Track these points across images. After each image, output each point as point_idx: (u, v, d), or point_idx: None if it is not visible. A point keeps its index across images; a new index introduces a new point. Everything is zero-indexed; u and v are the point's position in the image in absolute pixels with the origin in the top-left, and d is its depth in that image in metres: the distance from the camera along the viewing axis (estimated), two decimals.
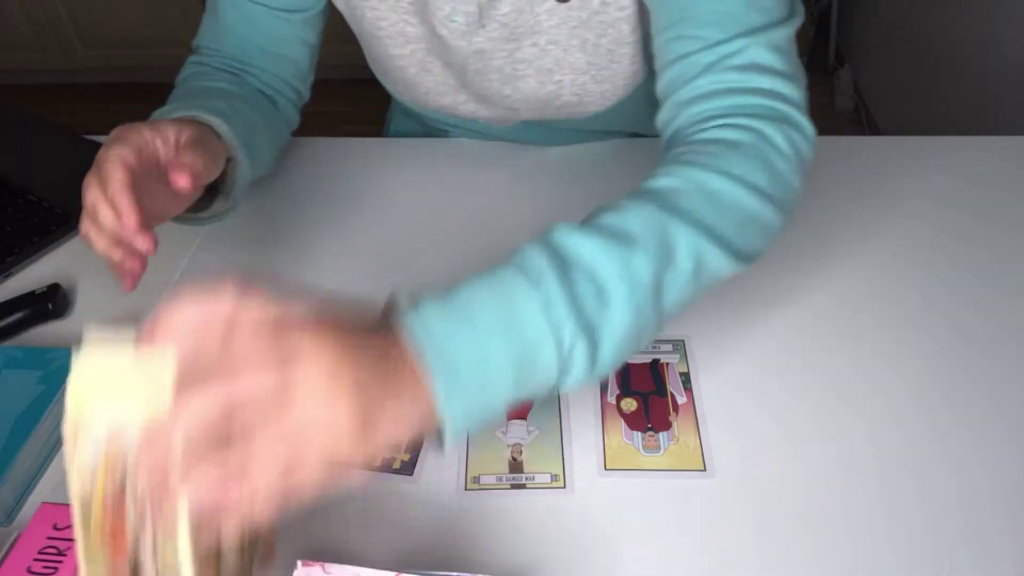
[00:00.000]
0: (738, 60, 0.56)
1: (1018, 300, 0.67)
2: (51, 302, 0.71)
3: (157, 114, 0.68)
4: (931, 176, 0.81)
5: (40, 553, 0.42)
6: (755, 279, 0.70)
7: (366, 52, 0.83)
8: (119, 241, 0.59)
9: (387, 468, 0.58)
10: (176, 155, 0.61)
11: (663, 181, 0.53)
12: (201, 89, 0.75)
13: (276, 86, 0.81)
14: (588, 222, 0.49)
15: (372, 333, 0.42)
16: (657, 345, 0.65)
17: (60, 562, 0.42)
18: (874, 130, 2.25)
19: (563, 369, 0.45)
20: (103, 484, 0.41)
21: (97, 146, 0.92)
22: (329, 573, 0.43)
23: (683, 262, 0.49)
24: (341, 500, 0.56)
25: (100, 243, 0.59)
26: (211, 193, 0.69)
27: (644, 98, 0.80)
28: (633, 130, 0.89)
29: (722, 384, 0.62)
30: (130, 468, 0.40)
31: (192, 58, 0.80)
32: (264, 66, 0.79)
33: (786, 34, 0.58)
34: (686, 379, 0.63)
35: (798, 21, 0.59)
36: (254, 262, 0.77)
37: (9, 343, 0.70)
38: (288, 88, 0.82)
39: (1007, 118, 1.56)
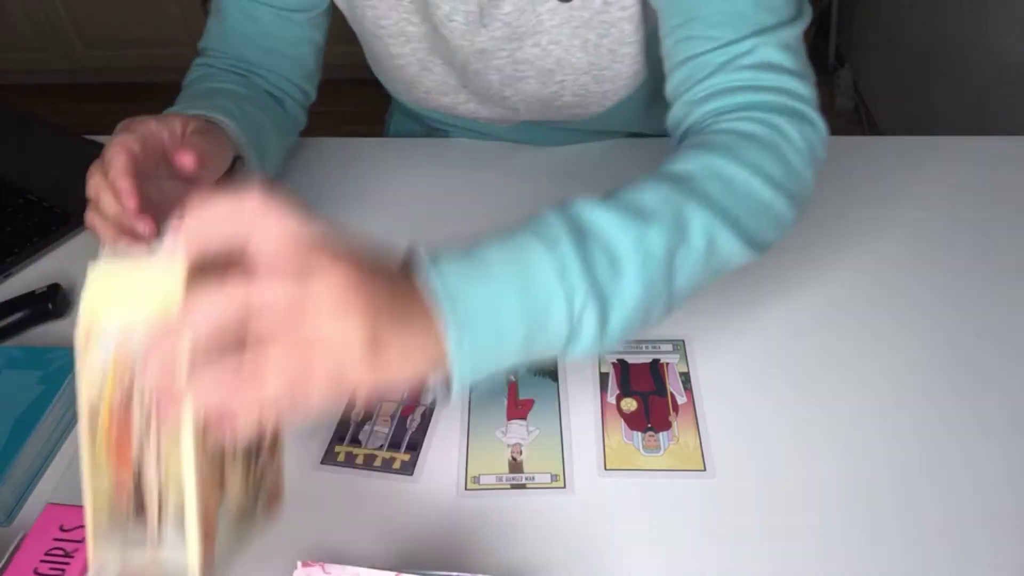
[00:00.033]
0: (750, 59, 0.57)
1: (1018, 300, 0.67)
2: (51, 302, 0.71)
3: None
4: (931, 176, 0.81)
5: (47, 555, 0.42)
6: (755, 279, 0.70)
7: (366, 52, 0.83)
8: (124, 229, 0.59)
9: (387, 468, 0.58)
10: (182, 142, 0.61)
11: (679, 165, 0.53)
12: (208, 90, 0.75)
13: (283, 87, 0.81)
14: (605, 196, 0.50)
15: (390, 271, 0.43)
16: (657, 345, 0.65)
17: (67, 564, 0.42)
18: (874, 130, 2.25)
19: (572, 333, 0.46)
20: (111, 390, 0.40)
21: (97, 146, 0.92)
22: (329, 573, 0.43)
23: (696, 240, 0.50)
24: (341, 500, 0.56)
25: (105, 231, 0.59)
26: None
27: (644, 98, 0.80)
28: (633, 130, 0.89)
29: (722, 384, 0.62)
30: (138, 372, 0.40)
31: (198, 60, 0.80)
32: (270, 67, 0.79)
33: (795, 33, 0.59)
34: (686, 379, 0.63)
35: (806, 21, 0.59)
36: None
37: (9, 343, 0.70)
38: (295, 88, 0.82)
39: (1007, 118, 1.56)
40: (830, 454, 0.57)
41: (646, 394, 0.62)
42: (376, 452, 0.59)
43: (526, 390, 0.63)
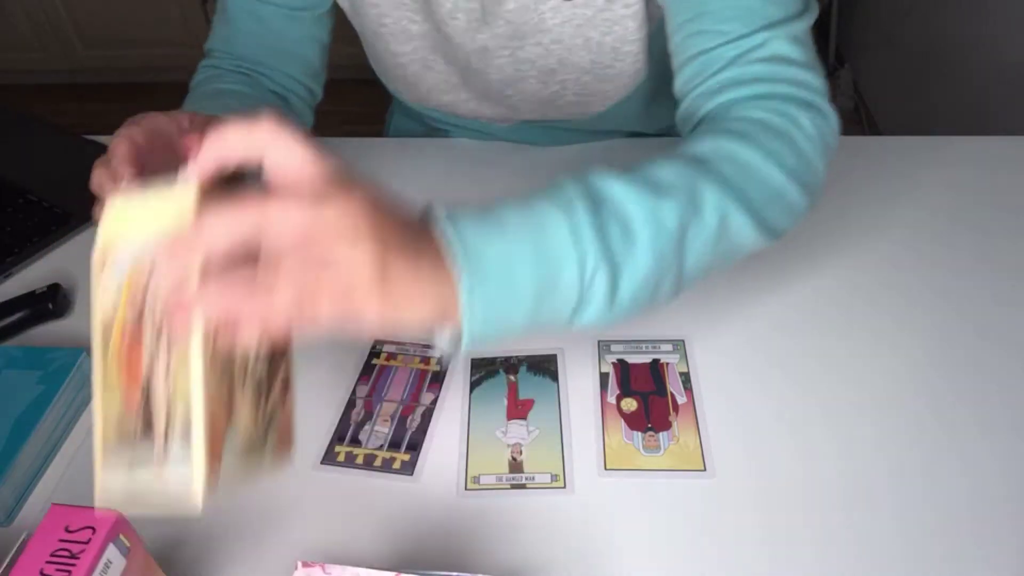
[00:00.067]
0: (762, 52, 0.57)
1: (1018, 300, 0.67)
2: (51, 302, 0.71)
3: None
4: (931, 176, 0.81)
5: (52, 556, 0.42)
6: (755, 279, 0.70)
7: (367, 50, 0.83)
8: None
9: (387, 468, 0.58)
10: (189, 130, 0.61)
11: (694, 148, 0.54)
12: (214, 91, 0.75)
13: (289, 86, 0.81)
14: (622, 170, 0.50)
15: (405, 215, 0.43)
16: (657, 345, 0.65)
17: (74, 564, 0.42)
18: (874, 130, 2.25)
19: (582, 298, 0.46)
20: (124, 308, 0.41)
21: (97, 146, 0.92)
22: (329, 573, 0.43)
23: (709, 218, 0.50)
24: (341, 500, 0.56)
25: None
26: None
27: (645, 97, 0.80)
28: (633, 129, 0.89)
29: (722, 384, 0.62)
30: (151, 289, 0.40)
31: (204, 62, 0.80)
32: (276, 66, 0.79)
33: (804, 27, 0.59)
34: (686, 379, 0.63)
35: (813, 15, 0.60)
36: None
37: (9, 343, 0.70)
38: (301, 87, 0.82)
39: (1007, 118, 1.56)
40: (830, 454, 0.57)
41: (646, 394, 0.62)
42: (376, 452, 0.59)
43: (526, 390, 0.63)
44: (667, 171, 0.51)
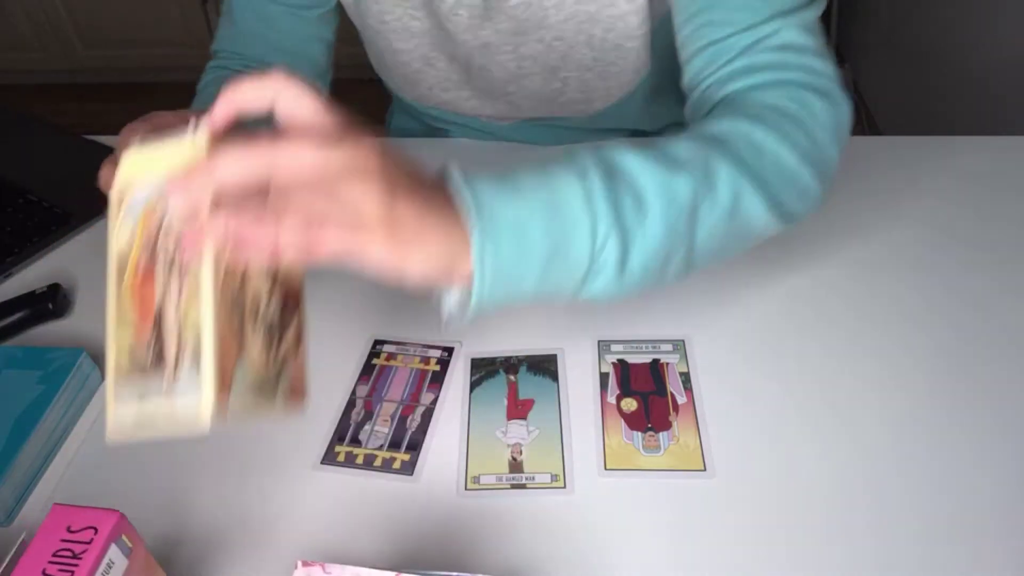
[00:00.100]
0: (773, 41, 0.57)
1: (1018, 300, 0.67)
2: (51, 302, 0.71)
3: None
4: (931, 176, 0.81)
5: (55, 556, 0.42)
6: (755, 278, 0.70)
7: (368, 48, 0.83)
8: None
9: (387, 468, 0.58)
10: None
11: (709, 127, 0.54)
12: None
13: None
14: (637, 144, 0.50)
15: (418, 169, 0.44)
16: (657, 345, 0.65)
17: (76, 565, 0.42)
18: (874, 130, 2.25)
19: (592, 265, 0.46)
20: (139, 245, 0.42)
21: (97, 146, 0.91)
22: (329, 573, 0.43)
23: (722, 194, 0.50)
24: (341, 500, 0.56)
25: None
26: None
27: (646, 95, 0.80)
28: (634, 128, 0.89)
29: (722, 384, 0.62)
30: (164, 226, 0.42)
31: (211, 64, 0.80)
32: (282, 65, 0.79)
33: (814, 16, 0.59)
34: (686, 379, 0.63)
35: (822, 4, 0.60)
36: None
37: (9, 343, 0.70)
38: None
39: (1007, 118, 1.56)
40: (831, 454, 0.57)
41: (646, 394, 0.62)
42: (376, 452, 0.59)
43: (526, 390, 0.63)
44: (682, 147, 0.51)
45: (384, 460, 0.59)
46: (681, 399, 0.61)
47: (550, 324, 0.67)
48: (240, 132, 0.42)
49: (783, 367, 0.63)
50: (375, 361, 0.66)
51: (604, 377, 0.63)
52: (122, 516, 0.44)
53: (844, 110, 0.58)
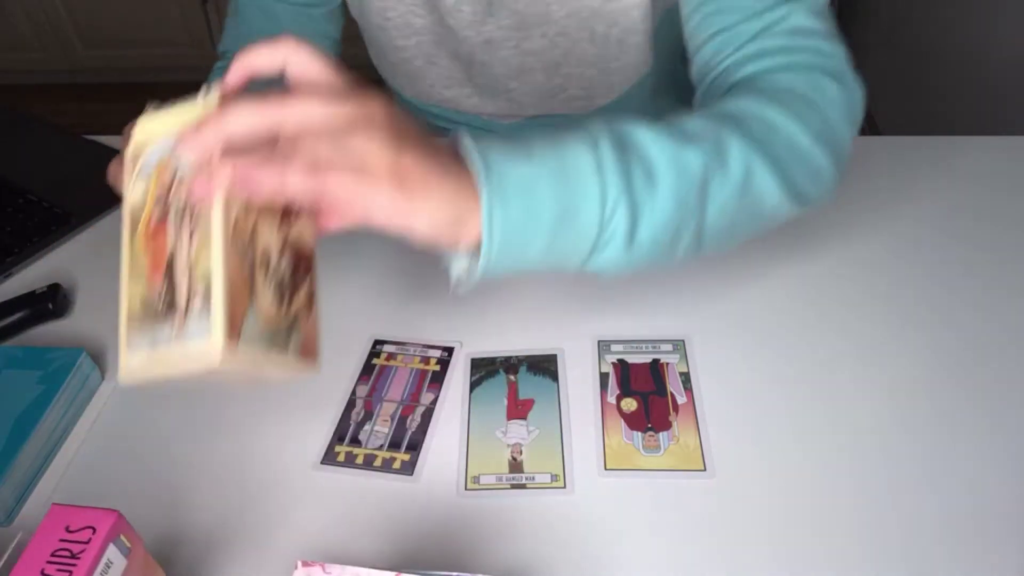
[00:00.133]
0: (784, 25, 0.57)
1: (1018, 300, 0.67)
2: (51, 302, 0.71)
3: None
4: (931, 176, 0.81)
5: (53, 555, 0.42)
6: (755, 278, 0.70)
7: (370, 46, 0.83)
8: None
9: (387, 468, 0.58)
10: None
11: (722, 105, 0.54)
12: None
13: None
14: (649, 121, 0.51)
15: (426, 130, 0.45)
16: (657, 345, 0.65)
17: (74, 565, 0.42)
18: (874, 130, 2.25)
19: (601, 234, 0.46)
20: (152, 201, 0.44)
21: (97, 146, 0.91)
22: (329, 573, 0.43)
23: (734, 169, 0.50)
24: (341, 500, 0.56)
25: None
26: None
27: (648, 92, 0.80)
28: None
29: (722, 384, 0.62)
30: (178, 176, 0.43)
31: (218, 64, 0.80)
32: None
33: (823, 0, 0.59)
34: (686, 379, 0.63)
35: None
36: None
37: (9, 343, 0.70)
38: None
39: (1007, 118, 1.56)
40: (831, 454, 0.57)
41: (646, 394, 0.62)
42: (376, 452, 0.59)
43: (526, 390, 0.63)
44: (694, 123, 0.51)
45: (384, 460, 0.59)
46: (681, 399, 0.61)
47: (550, 324, 0.67)
48: (251, 95, 0.43)
49: (783, 367, 0.63)
50: (375, 361, 0.66)
51: (604, 377, 0.63)
52: (120, 516, 0.44)
53: (856, 92, 0.58)
